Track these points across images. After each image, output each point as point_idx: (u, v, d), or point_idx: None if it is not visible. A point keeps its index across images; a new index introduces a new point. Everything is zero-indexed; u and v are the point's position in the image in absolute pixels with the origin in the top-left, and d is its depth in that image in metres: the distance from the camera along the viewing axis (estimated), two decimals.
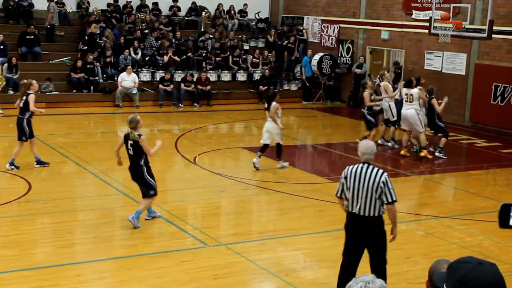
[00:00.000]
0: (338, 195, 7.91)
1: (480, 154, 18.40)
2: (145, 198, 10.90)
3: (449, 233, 11.33)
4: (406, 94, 16.71)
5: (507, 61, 20.78)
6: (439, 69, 22.79)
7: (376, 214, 7.64)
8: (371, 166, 7.72)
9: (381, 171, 7.69)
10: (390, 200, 7.61)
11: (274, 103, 15.00)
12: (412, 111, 16.57)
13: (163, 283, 8.69)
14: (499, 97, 20.88)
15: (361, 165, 7.76)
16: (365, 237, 7.80)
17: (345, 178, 7.77)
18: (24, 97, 14.04)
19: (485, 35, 18.86)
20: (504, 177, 15.89)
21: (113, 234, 10.67)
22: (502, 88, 20.76)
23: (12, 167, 14.08)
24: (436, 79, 22.44)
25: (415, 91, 16.63)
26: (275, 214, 12.13)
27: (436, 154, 16.90)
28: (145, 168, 10.83)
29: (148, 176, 10.85)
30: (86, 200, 12.66)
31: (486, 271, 2.90)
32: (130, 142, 10.70)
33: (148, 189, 10.85)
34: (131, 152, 10.78)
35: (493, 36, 19.05)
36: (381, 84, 17.94)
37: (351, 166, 7.81)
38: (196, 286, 8.64)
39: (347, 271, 7.77)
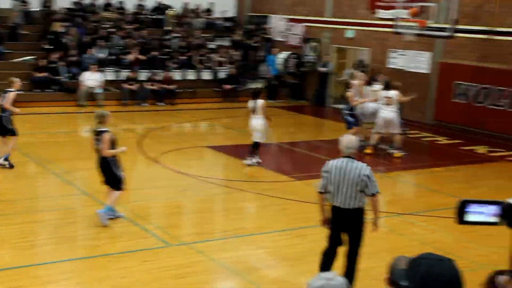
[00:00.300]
0: (322, 190, 8.03)
1: (442, 152, 18.61)
2: (113, 192, 10.92)
3: (411, 230, 11.46)
4: (385, 97, 16.68)
5: (470, 59, 21.03)
6: (403, 68, 22.97)
7: (358, 206, 7.91)
8: (354, 160, 7.90)
9: (364, 165, 7.91)
10: (374, 192, 7.87)
11: (261, 100, 15.23)
12: (393, 115, 16.65)
13: (126, 283, 8.66)
14: (462, 95, 21.13)
15: (344, 159, 7.91)
16: (347, 228, 8.10)
17: (328, 172, 7.91)
18: (5, 95, 14.07)
19: (449, 34, 19.07)
20: (464, 173, 16.09)
21: (76, 234, 10.60)
22: (464, 86, 21.01)
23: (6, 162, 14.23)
24: (399, 77, 22.59)
25: (393, 93, 16.68)
26: (238, 212, 12.14)
27: (392, 151, 17.03)
28: (113, 162, 10.84)
29: (116, 171, 10.87)
30: (49, 200, 12.55)
31: (446, 267, 2.95)
32: (97, 136, 10.70)
33: (116, 183, 10.90)
34: (99, 147, 10.75)
35: (457, 35, 19.27)
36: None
37: (333, 161, 7.96)
38: (159, 286, 8.62)
39: (330, 254, 8.23)
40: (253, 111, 15.20)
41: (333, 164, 7.93)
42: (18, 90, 14.42)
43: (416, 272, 2.91)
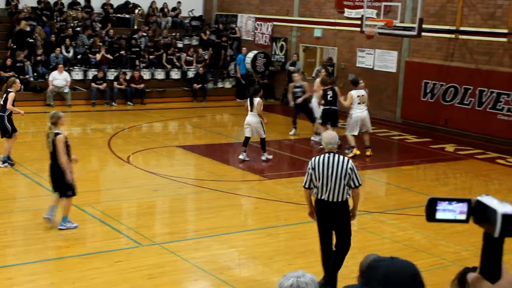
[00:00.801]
0: (307, 186, 8.30)
1: (411, 150, 18.76)
2: (64, 199, 10.45)
3: (381, 228, 11.54)
4: (358, 96, 16.66)
5: (437, 58, 21.25)
6: (371, 67, 23.13)
7: (344, 199, 8.20)
8: (336, 155, 8.23)
9: (347, 158, 8.29)
10: (357, 184, 8.22)
11: (258, 99, 15.51)
12: (367, 113, 16.72)
13: (95, 284, 8.59)
14: (429, 94, 21.33)
15: (327, 155, 8.21)
16: (333, 221, 8.36)
17: (313, 168, 8.17)
18: (5, 95, 14.09)
19: (415, 33, 19.22)
20: (433, 171, 16.25)
21: (45, 235, 10.46)
22: (431, 85, 21.21)
23: (6, 164, 14.28)
24: (368, 76, 22.77)
25: (364, 91, 16.73)
26: (210, 212, 12.10)
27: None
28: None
29: (67, 176, 10.35)
30: (17, 201, 12.42)
31: (402, 263, 2.97)
32: (50, 139, 10.32)
33: (66, 190, 10.39)
34: (51, 150, 10.33)
35: (423, 34, 19.44)
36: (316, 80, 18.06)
37: (317, 157, 8.26)
38: (131, 286, 8.57)
39: (327, 251, 8.42)
40: (251, 108, 15.56)
41: (318, 160, 8.19)
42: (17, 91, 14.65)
43: (377, 275, 2.92)
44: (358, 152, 16.33)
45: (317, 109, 17.85)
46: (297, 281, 3.33)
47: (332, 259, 8.43)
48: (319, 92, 17.30)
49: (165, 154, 16.89)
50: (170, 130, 21.57)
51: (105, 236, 10.42)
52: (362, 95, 16.58)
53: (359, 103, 16.56)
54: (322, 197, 8.20)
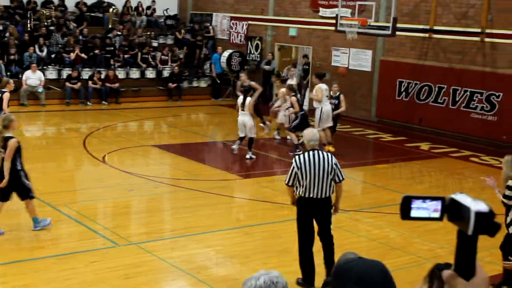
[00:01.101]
0: (290, 183, 8.30)
1: (386, 148, 18.87)
2: (26, 201, 10.24)
3: (358, 226, 11.59)
4: (326, 89, 16.86)
5: (411, 57, 21.39)
6: (346, 66, 23.20)
7: (330, 195, 8.33)
8: (319, 152, 8.28)
9: (330, 154, 8.39)
10: (341, 179, 8.39)
11: (250, 98, 15.83)
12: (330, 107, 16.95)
13: (71, 285, 8.53)
14: (403, 93, 21.47)
15: (311, 152, 8.24)
16: (318, 217, 8.43)
17: (299, 167, 8.16)
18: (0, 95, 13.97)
19: (389, 32, 19.34)
20: (409, 170, 16.36)
21: (20, 236, 10.38)
22: (406, 84, 21.35)
23: None
24: (343, 75, 22.89)
25: (326, 85, 16.99)
26: (186, 211, 12.07)
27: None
28: (22, 172, 10.09)
29: (25, 180, 10.13)
30: None
31: (371, 262, 2.99)
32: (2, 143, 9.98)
33: (26, 192, 10.18)
34: (3, 155, 9.98)
35: (397, 33, 19.57)
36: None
37: (301, 156, 8.28)
38: (107, 286, 8.53)
39: (307, 251, 8.44)
40: (242, 107, 15.80)
41: (303, 158, 8.20)
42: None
43: (352, 275, 2.93)
44: (332, 149, 16.36)
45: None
46: (268, 277, 3.31)
47: (324, 256, 8.46)
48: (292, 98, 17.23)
49: (140, 154, 16.82)
50: (146, 129, 21.51)
51: (81, 236, 10.35)
52: (326, 89, 16.80)
53: (326, 96, 16.73)
54: (310, 195, 8.21)
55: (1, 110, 13.91)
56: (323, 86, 16.77)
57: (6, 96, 14.03)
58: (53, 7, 27.37)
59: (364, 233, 11.23)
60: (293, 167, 8.23)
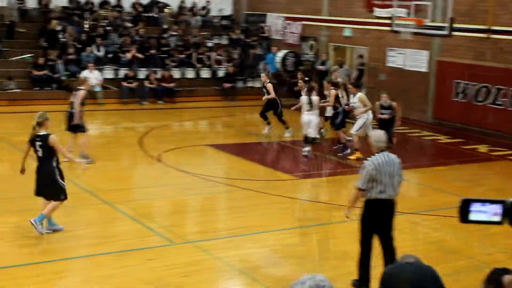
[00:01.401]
0: (364, 187, 8.18)
1: (443, 150, 18.60)
2: (53, 201, 10.06)
3: (415, 229, 11.44)
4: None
5: (468, 58, 21.03)
6: (402, 66, 22.97)
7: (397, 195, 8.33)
8: (388, 153, 8.29)
9: (395, 155, 8.39)
10: (404, 178, 8.47)
11: (316, 96, 15.94)
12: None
13: (128, 281, 8.61)
14: (460, 94, 21.13)
15: (382, 153, 8.20)
16: (387, 217, 8.34)
17: (377, 169, 8.07)
18: (76, 93, 14.34)
19: (445, 32, 19.06)
20: (467, 172, 16.06)
21: (79, 233, 10.46)
22: (463, 85, 21.00)
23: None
24: (398, 76, 22.67)
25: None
26: (241, 211, 12.09)
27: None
28: (56, 170, 10.00)
29: (59, 179, 10.02)
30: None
31: (422, 268, 2.94)
32: (38, 143, 9.90)
33: (58, 192, 10.05)
34: (40, 154, 9.95)
35: (453, 33, 19.28)
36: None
37: (376, 158, 8.14)
38: (163, 284, 8.57)
39: (369, 253, 8.34)
40: (310, 107, 15.81)
41: (378, 160, 8.10)
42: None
43: (398, 283, 2.88)
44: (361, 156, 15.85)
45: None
46: (314, 281, 3.24)
47: (386, 258, 8.32)
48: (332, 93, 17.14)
49: (196, 153, 16.92)
50: (201, 129, 21.63)
51: (137, 234, 10.43)
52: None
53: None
54: (383, 197, 8.14)
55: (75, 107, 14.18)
56: (363, 94, 16.45)
57: (81, 94, 14.22)
58: (110, 8, 27.76)
59: (421, 236, 11.08)
60: (368, 170, 8.09)
